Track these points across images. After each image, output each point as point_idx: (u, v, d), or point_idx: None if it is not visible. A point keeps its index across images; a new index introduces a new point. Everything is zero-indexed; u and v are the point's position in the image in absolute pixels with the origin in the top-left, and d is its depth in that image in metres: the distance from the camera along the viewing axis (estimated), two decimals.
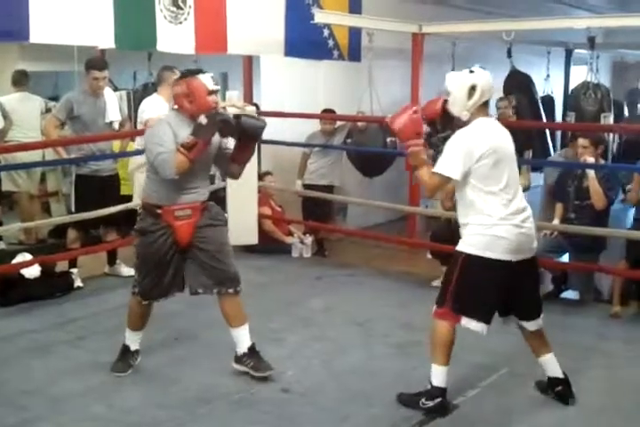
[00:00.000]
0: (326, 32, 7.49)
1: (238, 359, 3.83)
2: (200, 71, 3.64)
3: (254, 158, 6.22)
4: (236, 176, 3.89)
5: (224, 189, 6.19)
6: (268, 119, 6.62)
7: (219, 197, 6.41)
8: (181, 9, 6.06)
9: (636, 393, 3.74)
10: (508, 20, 7.25)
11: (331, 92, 7.38)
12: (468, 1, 8.80)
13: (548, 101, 9.10)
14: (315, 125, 6.78)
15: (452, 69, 8.33)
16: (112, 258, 5.70)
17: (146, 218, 3.70)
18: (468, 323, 3.36)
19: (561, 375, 3.57)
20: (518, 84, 7.95)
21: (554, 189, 5.71)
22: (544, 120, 8.47)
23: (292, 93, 7.04)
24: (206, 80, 3.57)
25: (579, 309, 5.13)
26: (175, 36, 6.03)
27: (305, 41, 7.14)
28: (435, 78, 8.25)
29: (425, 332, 4.49)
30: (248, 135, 3.67)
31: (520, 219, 3.31)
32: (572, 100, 7.98)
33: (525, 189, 7.14)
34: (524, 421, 3.46)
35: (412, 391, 3.54)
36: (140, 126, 5.71)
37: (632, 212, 5.40)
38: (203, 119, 3.50)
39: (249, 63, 7.18)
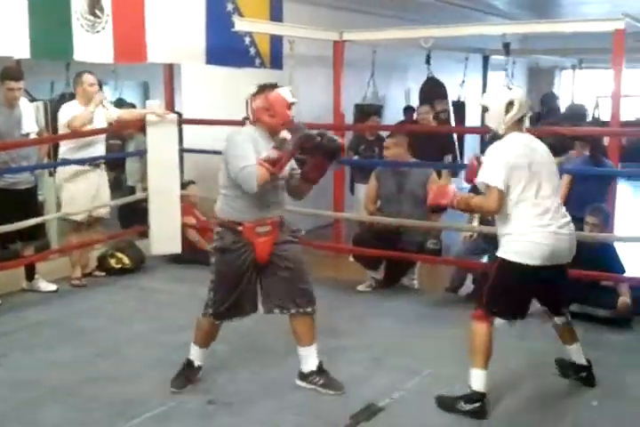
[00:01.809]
0: (248, 40, 7.49)
1: (305, 377, 3.80)
2: (274, 84, 3.60)
3: (178, 168, 6.23)
4: (302, 196, 3.80)
5: (146, 200, 6.12)
6: (189, 127, 6.75)
7: (141, 208, 6.36)
8: (99, 17, 5.98)
9: (554, 389, 3.85)
10: (427, 26, 7.39)
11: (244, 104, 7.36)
12: (389, 9, 8.92)
13: (459, 107, 9.30)
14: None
15: (372, 76, 8.48)
16: (30, 273, 5.54)
17: (225, 235, 3.59)
18: (498, 322, 3.53)
19: (585, 363, 3.82)
20: (434, 93, 8.10)
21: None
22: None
23: (214, 102, 7.00)
24: (285, 93, 3.55)
25: None
26: (93, 45, 5.94)
27: (226, 49, 7.13)
28: (356, 85, 8.43)
29: (351, 336, 4.58)
30: (327, 153, 3.58)
31: (557, 225, 3.45)
32: None
33: None
34: (449, 421, 3.51)
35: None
36: (62, 130, 5.62)
37: None
38: (286, 134, 3.46)
39: (170, 72, 7.12)
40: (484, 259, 5.63)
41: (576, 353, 3.83)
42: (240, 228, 3.57)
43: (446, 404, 3.57)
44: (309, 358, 3.79)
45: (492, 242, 5.19)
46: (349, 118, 7.81)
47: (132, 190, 7.23)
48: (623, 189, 8.31)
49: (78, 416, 3.53)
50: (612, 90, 5.97)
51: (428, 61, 8.01)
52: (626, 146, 7.51)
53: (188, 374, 3.81)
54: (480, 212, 3.69)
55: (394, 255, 5.52)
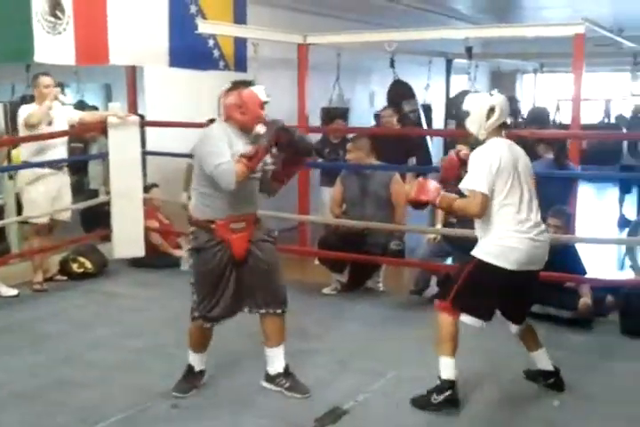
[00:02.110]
0: (211, 42, 7.45)
1: (271, 379, 3.78)
2: (248, 81, 3.59)
3: (140, 170, 6.17)
4: (273, 193, 3.78)
5: (108, 202, 6.06)
6: (152, 130, 6.70)
7: (104, 211, 6.29)
8: (60, 19, 5.89)
9: (515, 390, 3.88)
10: (390, 30, 7.43)
11: (216, 102, 7.32)
12: (354, 12, 8.95)
13: (426, 110, 9.37)
14: None
15: (337, 80, 8.50)
16: None
17: (200, 235, 3.57)
18: (465, 318, 3.56)
19: (552, 369, 3.84)
20: (401, 94, 8.14)
21: None
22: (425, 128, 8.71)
23: (177, 104, 6.97)
24: (259, 91, 3.52)
25: None
26: (54, 46, 5.84)
27: (190, 51, 7.07)
28: (321, 88, 8.44)
29: (316, 339, 4.58)
30: (300, 150, 3.58)
31: (535, 232, 3.53)
32: (451, 108, 8.24)
33: None
34: (413, 423, 3.52)
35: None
36: (22, 132, 5.57)
37: None
38: (260, 128, 3.44)
39: (132, 74, 7.05)
40: (448, 261, 5.69)
41: (541, 359, 3.85)
42: (213, 226, 3.54)
43: (420, 402, 3.60)
44: (276, 360, 3.78)
45: (455, 244, 5.27)
46: (314, 121, 7.80)
47: (94, 194, 7.15)
48: (584, 191, 8.43)
49: (41, 421, 3.48)
50: (573, 93, 6.05)
51: (392, 65, 8.03)
52: (586, 149, 7.61)
53: (190, 380, 3.78)
54: (462, 214, 3.68)
55: (359, 258, 5.53)
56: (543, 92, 13.32)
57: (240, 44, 7.63)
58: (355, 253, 5.49)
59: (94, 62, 6.38)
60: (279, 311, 3.71)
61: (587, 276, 5.10)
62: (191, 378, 3.78)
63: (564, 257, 4.98)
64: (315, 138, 7.46)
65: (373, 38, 7.24)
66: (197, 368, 3.79)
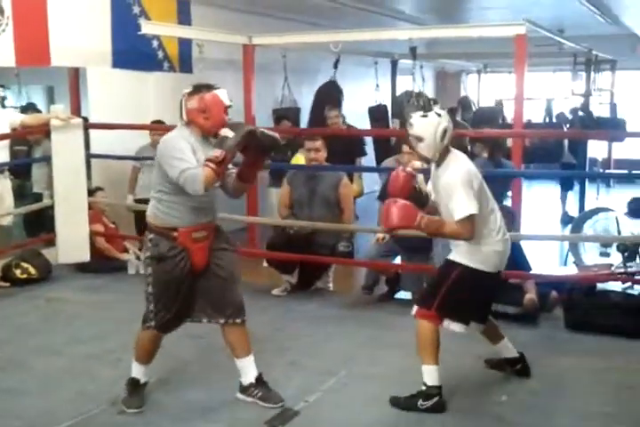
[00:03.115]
0: (155, 43, 7.40)
1: (244, 389, 3.68)
2: (211, 85, 3.46)
3: (84, 173, 6.07)
4: (239, 195, 3.70)
5: (52, 206, 5.94)
6: (96, 133, 6.60)
7: (47, 216, 6.17)
8: None
9: (460, 387, 3.92)
10: (335, 31, 7.46)
11: (161, 103, 7.27)
12: (300, 14, 8.96)
13: (382, 110, 9.44)
14: (145, 138, 6.65)
15: (285, 80, 8.50)
16: None
17: (160, 243, 3.45)
18: (449, 325, 3.60)
19: (517, 355, 3.97)
20: (332, 96, 8.16)
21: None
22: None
23: (122, 106, 6.88)
24: (222, 95, 3.41)
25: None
26: None
27: (133, 52, 7.01)
28: (268, 89, 8.43)
29: (267, 341, 4.56)
30: (265, 147, 3.50)
31: (505, 235, 3.65)
32: (395, 108, 8.31)
33: (359, 196, 7.38)
34: (365, 420, 3.54)
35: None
36: None
37: None
38: (227, 131, 3.33)
39: (75, 75, 6.95)
40: (397, 260, 5.74)
41: (506, 348, 3.97)
42: (175, 233, 3.46)
43: (403, 404, 3.59)
44: (247, 371, 3.70)
45: (404, 244, 5.32)
46: (262, 122, 7.78)
47: (38, 197, 7.01)
48: (527, 189, 8.59)
49: None
50: (515, 93, 6.15)
51: (335, 65, 8.07)
52: (529, 147, 7.76)
53: (137, 393, 3.66)
54: (454, 238, 3.63)
55: (307, 259, 5.53)
56: (487, 91, 13.52)
57: (185, 44, 7.59)
58: (303, 253, 5.49)
59: (35, 64, 6.29)
60: (237, 321, 3.64)
61: (531, 272, 5.18)
62: (137, 391, 3.67)
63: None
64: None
65: (318, 39, 7.26)
66: (143, 380, 3.69)
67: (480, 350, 4.14)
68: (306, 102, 9.07)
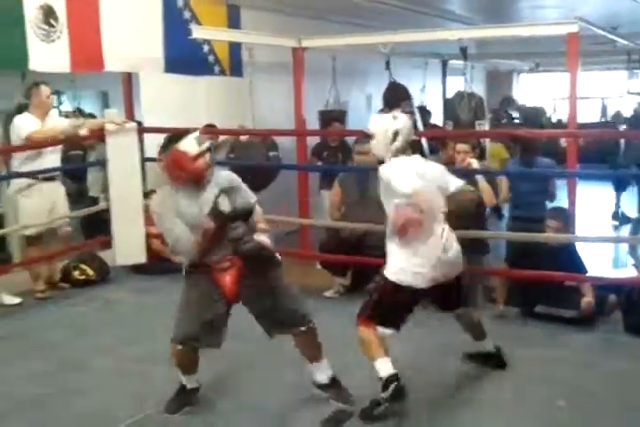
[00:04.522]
0: (206, 48, 7.48)
1: (318, 387, 3.74)
2: (182, 135, 3.42)
3: (140, 177, 6.16)
4: None
5: (108, 209, 6.05)
6: (149, 136, 6.68)
7: (103, 219, 6.27)
8: (53, 27, 5.91)
9: (515, 391, 3.86)
10: (385, 32, 7.44)
11: (212, 107, 7.34)
12: (348, 15, 8.96)
13: (423, 111, 9.37)
14: None
15: (333, 82, 8.51)
16: None
17: (189, 275, 3.56)
18: (383, 331, 3.63)
19: (493, 350, 4.02)
20: (398, 96, 8.13)
21: None
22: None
23: (174, 110, 6.95)
24: (188, 146, 3.37)
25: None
26: (48, 54, 5.87)
27: (184, 57, 7.09)
28: (317, 91, 8.44)
29: (322, 343, 4.56)
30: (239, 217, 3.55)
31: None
32: (448, 109, 8.24)
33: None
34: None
35: None
36: (18, 142, 5.54)
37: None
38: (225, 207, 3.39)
39: (128, 80, 7.06)
40: None
41: (487, 344, 4.02)
42: (192, 269, 3.51)
43: (369, 409, 3.54)
44: (318, 373, 3.73)
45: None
46: (311, 124, 7.81)
47: (94, 201, 7.14)
48: (583, 190, 8.43)
49: None
50: (569, 92, 6.06)
51: (387, 67, 8.04)
52: (583, 147, 7.62)
53: (182, 398, 3.69)
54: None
55: (360, 261, 5.52)
56: (540, 91, 13.33)
57: (235, 48, 7.65)
58: (356, 255, 5.48)
59: (89, 69, 6.40)
60: (304, 329, 3.64)
61: (588, 275, 5.09)
62: (183, 396, 3.69)
63: (564, 257, 4.98)
64: (314, 141, 7.51)
65: (368, 41, 7.24)
66: (189, 386, 3.70)
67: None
68: (355, 104, 9.06)
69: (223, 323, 3.58)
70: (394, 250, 3.63)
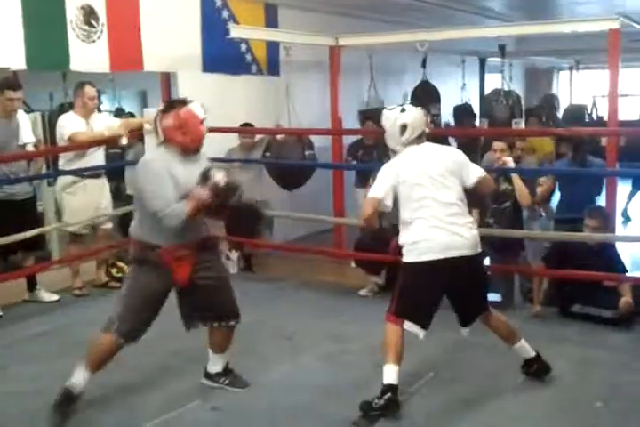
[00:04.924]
0: (244, 47, 7.52)
1: (210, 377, 3.85)
2: (183, 100, 3.45)
3: None
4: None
5: None
6: None
7: None
8: (94, 27, 6.00)
9: (552, 391, 3.83)
10: (422, 30, 7.40)
11: (249, 106, 7.39)
12: (383, 13, 8.93)
13: (466, 109, 9.31)
14: (234, 140, 6.76)
15: (372, 80, 8.49)
16: (31, 284, 5.54)
17: (144, 252, 3.47)
18: (410, 327, 3.61)
19: (533, 354, 3.87)
20: (429, 97, 8.09)
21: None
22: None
23: (211, 109, 6.99)
24: (197, 109, 3.41)
25: (502, 311, 5.17)
26: (89, 54, 5.96)
27: (222, 56, 7.14)
28: (354, 90, 8.43)
29: (354, 341, 4.58)
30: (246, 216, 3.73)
31: (433, 223, 3.61)
32: (484, 107, 8.17)
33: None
34: (448, 422, 3.51)
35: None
36: (61, 143, 5.63)
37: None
38: (216, 173, 3.34)
39: (166, 80, 7.12)
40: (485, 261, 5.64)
41: (523, 349, 3.88)
42: (158, 250, 3.44)
43: (364, 408, 3.54)
44: (218, 362, 3.82)
45: (493, 245, 5.23)
46: (347, 123, 7.81)
47: (131, 199, 7.22)
48: (623, 188, 8.29)
49: (84, 425, 3.52)
50: (609, 90, 5.97)
51: (423, 65, 7.99)
52: (624, 146, 7.49)
53: (66, 408, 3.48)
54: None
55: (394, 259, 5.49)
56: (580, 89, 13.14)
57: (272, 47, 7.68)
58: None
59: (129, 69, 6.48)
60: (232, 324, 3.69)
61: (627, 274, 5.02)
62: (67, 405, 3.49)
63: (603, 256, 4.92)
64: (350, 139, 7.50)
65: (406, 39, 7.21)
66: (77, 391, 3.50)
67: None
68: (392, 102, 9.02)
69: (160, 309, 3.59)
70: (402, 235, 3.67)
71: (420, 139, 3.69)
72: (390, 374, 3.54)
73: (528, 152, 5.62)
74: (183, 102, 3.43)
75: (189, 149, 3.43)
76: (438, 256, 3.52)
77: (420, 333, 3.60)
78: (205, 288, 3.58)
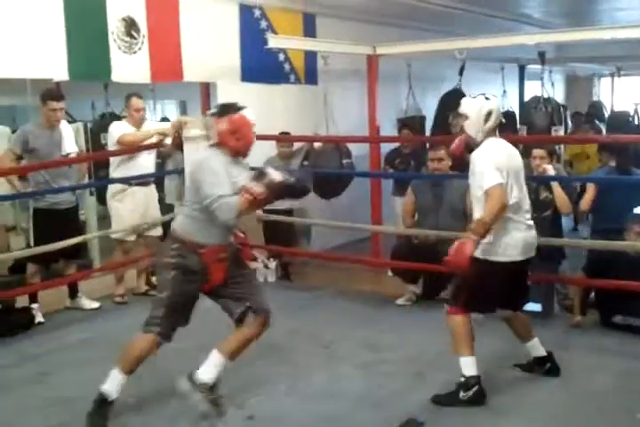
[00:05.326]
0: (282, 56, 7.57)
1: (193, 382, 3.62)
2: (236, 105, 3.52)
3: None
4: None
5: None
6: None
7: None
8: (135, 39, 6.09)
9: (593, 402, 3.77)
10: (460, 38, 7.37)
11: (288, 115, 7.43)
12: (421, 21, 8.92)
13: (509, 117, 9.22)
14: (272, 149, 6.80)
15: (410, 89, 8.48)
16: (73, 291, 5.63)
17: (188, 256, 3.48)
18: (477, 316, 3.83)
19: (545, 353, 4.03)
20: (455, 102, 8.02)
21: None
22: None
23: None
24: (249, 115, 3.50)
25: (542, 320, 5.14)
26: (130, 65, 6.06)
27: (261, 66, 7.21)
28: (391, 98, 8.43)
29: (391, 351, 4.56)
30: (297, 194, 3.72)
31: (528, 223, 3.80)
32: (523, 114, 8.09)
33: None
34: None
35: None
36: (112, 148, 5.75)
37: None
38: (271, 170, 3.36)
39: (206, 90, 7.21)
40: None
41: (535, 348, 4.03)
42: (202, 251, 3.47)
43: (445, 400, 3.67)
44: (211, 370, 3.64)
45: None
46: (385, 131, 7.80)
47: (170, 208, 7.30)
48: None
49: None
50: None
51: (460, 73, 7.95)
52: None
53: (104, 413, 3.52)
54: (497, 216, 3.61)
55: (432, 268, 5.47)
56: (621, 96, 12.94)
57: (310, 57, 7.72)
58: (428, 263, 5.44)
59: (169, 80, 6.57)
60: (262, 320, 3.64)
61: None
62: (103, 411, 3.52)
63: None
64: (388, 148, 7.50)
65: (444, 47, 7.18)
66: (112, 398, 3.53)
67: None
68: (431, 111, 9.01)
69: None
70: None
71: (496, 129, 3.77)
72: (470, 366, 3.67)
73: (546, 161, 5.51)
74: (236, 107, 3.51)
75: (240, 154, 3.54)
76: (519, 258, 3.70)
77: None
78: (235, 288, 3.63)
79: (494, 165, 3.58)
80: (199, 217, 3.48)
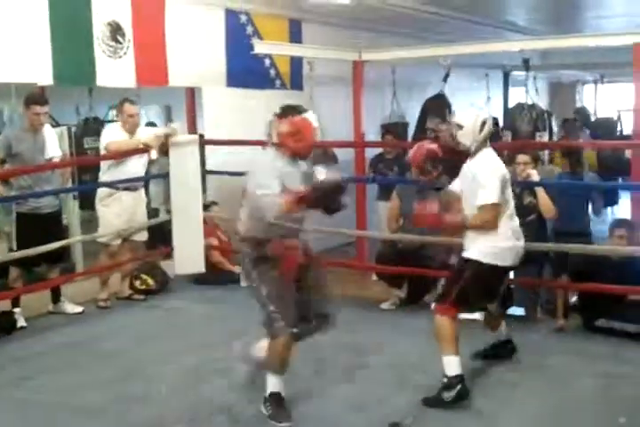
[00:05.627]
0: (268, 62, 7.58)
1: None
2: (299, 107, 3.57)
3: (200, 188, 6.28)
4: None
5: (169, 221, 6.17)
6: (212, 148, 6.79)
7: (164, 231, 6.40)
8: (120, 43, 6.08)
9: (576, 406, 3.79)
10: (445, 44, 7.41)
11: (267, 126, 7.42)
12: (406, 28, 8.96)
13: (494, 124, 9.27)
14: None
15: (394, 95, 8.51)
16: (56, 295, 5.59)
17: (257, 248, 3.54)
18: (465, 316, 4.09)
19: (509, 337, 4.35)
20: (438, 107, 8.06)
21: None
22: None
23: (236, 123, 7.07)
24: (311, 118, 3.54)
25: (526, 324, 5.16)
26: (115, 70, 6.04)
27: (247, 71, 7.21)
28: (376, 104, 8.45)
29: (374, 354, 4.56)
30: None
31: (516, 232, 3.94)
32: (507, 120, 8.13)
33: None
34: None
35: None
36: (102, 151, 5.75)
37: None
38: (321, 171, 3.38)
39: (191, 95, 7.20)
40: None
41: (502, 334, 4.34)
42: (269, 244, 3.52)
43: (432, 402, 3.70)
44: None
45: None
46: (370, 137, 7.82)
47: (155, 213, 7.29)
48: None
49: None
50: (634, 103, 5.93)
51: (445, 79, 7.98)
52: None
53: (284, 406, 3.61)
54: (478, 228, 3.82)
55: (417, 272, 5.49)
56: (604, 102, 13.04)
57: (296, 62, 7.74)
58: (413, 267, 5.45)
59: (154, 84, 6.55)
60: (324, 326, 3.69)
61: None
62: (283, 405, 3.61)
63: (628, 269, 4.86)
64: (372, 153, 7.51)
65: (429, 53, 7.21)
66: (283, 393, 3.61)
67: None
68: (414, 116, 9.04)
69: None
70: (477, 235, 3.84)
71: (488, 141, 3.90)
72: (453, 365, 3.70)
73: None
74: (298, 110, 3.57)
75: (299, 155, 3.55)
76: (510, 264, 3.88)
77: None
78: (307, 292, 3.64)
79: (499, 179, 3.77)
80: (255, 215, 3.50)
